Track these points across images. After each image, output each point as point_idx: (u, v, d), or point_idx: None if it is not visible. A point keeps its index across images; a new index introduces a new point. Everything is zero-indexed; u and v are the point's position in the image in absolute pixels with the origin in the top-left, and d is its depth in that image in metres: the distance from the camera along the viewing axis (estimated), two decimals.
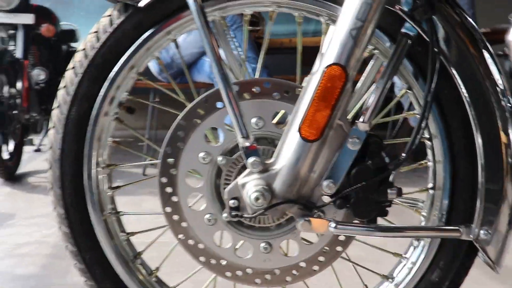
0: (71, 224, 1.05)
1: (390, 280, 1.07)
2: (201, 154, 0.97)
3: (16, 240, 2.05)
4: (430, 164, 1.01)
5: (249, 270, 1.01)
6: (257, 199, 0.90)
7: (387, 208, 0.92)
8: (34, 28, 3.42)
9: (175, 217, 1.00)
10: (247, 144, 0.91)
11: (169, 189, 0.99)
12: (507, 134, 0.90)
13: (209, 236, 1.01)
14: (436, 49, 0.89)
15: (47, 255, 1.89)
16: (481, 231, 0.93)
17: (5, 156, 3.09)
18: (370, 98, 0.90)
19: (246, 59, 2.86)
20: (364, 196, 0.90)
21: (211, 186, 0.99)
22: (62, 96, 1.01)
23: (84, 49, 1.00)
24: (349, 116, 0.94)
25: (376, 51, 1.00)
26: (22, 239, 2.06)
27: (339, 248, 1.00)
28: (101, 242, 1.06)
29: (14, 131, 3.22)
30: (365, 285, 1.11)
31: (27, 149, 3.62)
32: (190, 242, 1.01)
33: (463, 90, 0.92)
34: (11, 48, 3.33)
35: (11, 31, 3.37)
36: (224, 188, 0.96)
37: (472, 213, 0.94)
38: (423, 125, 0.88)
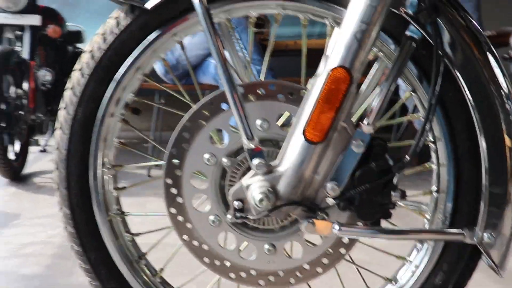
0: (76, 224, 1.05)
1: (394, 283, 1.08)
2: (206, 156, 0.97)
3: (21, 240, 2.06)
4: (434, 167, 1.01)
5: (253, 272, 1.02)
6: (261, 200, 0.90)
7: (391, 211, 0.92)
8: (40, 29, 3.44)
9: (180, 218, 1.01)
10: (252, 145, 0.91)
11: (174, 190, 1.00)
12: (511, 138, 0.90)
13: (213, 237, 1.01)
14: (440, 52, 0.89)
15: (52, 255, 1.90)
16: (485, 235, 0.93)
17: (11, 156, 3.10)
18: (375, 100, 0.91)
19: (251, 61, 2.87)
20: (368, 198, 0.90)
21: (216, 187, 1.00)
22: (69, 97, 1.02)
23: (91, 50, 1.00)
24: (354, 119, 0.94)
25: (380, 53, 1.00)
26: (27, 239, 2.07)
27: (342, 250, 1.00)
28: (106, 242, 1.06)
29: (20, 132, 3.24)
30: None
31: (32, 150, 3.63)
32: (195, 243, 1.01)
33: (467, 93, 0.92)
34: (17, 49, 3.35)
35: (18, 32, 3.39)
36: (229, 190, 0.97)
37: (476, 216, 0.94)
38: (427, 127, 0.89)
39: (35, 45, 3.39)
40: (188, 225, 1.01)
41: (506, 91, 0.91)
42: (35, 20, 3.34)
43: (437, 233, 0.99)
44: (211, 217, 1.00)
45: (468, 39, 0.92)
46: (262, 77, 1.21)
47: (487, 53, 0.92)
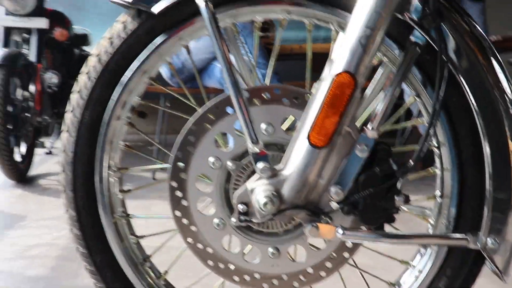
0: (82, 226, 1.06)
1: (397, 287, 1.08)
2: (211, 159, 0.98)
3: (26, 242, 2.07)
4: (438, 172, 1.01)
5: (256, 275, 1.02)
6: (265, 204, 0.90)
7: (395, 215, 0.92)
8: (47, 32, 3.47)
9: (185, 221, 1.01)
10: (257, 149, 0.92)
11: (179, 193, 1.00)
12: None
13: (217, 240, 1.02)
14: (444, 57, 0.89)
15: (57, 257, 1.91)
16: (489, 240, 0.93)
17: (17, 158, 3.11)
18: (379, 105, 0.91)
19: (257, 64, 2.87)
20: (372, 203, 0.90)
21: (221, 190, 1.00)
22: (76, 100, 1.03)
23: (97, 54, 1.01)
24: (358, 123, 0.95)
25: (385, 58, 1.00)
26: (33, 241, 2.08)
27: (346, 255, 1.01)
28: (112, 244, 1.07)
29: (27, 134, 3.26)
30: None
31: (38, 152, 3.65)
32: (199, 246, 1.02)
33: (471, 99, 0.92)
34: (25, 51, 3.37)
35: (25, 35, 3.42)
36: (233, 193, 0.97)
37: (480, 221, 0.94)
38: (431, 132, 0.89)
39: (42, 48, 3.42)
40: (193, 228, 1.01)
41: (510, 96, 0.91)
42: (42, 23, 3.37)
43: (441, 238, 0.99)
44: (216, 220, 1.00)
45: (472, 44, 0.93)
46: (267, 81, 1.21)
47: (491, 58, 0.93)
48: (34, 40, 3.38)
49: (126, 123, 1.05)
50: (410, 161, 0.89)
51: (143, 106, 1.10)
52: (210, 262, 1.03)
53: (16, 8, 3.33)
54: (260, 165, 0.92)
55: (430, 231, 1.04)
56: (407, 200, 0.91)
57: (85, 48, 4.42)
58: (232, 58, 0.97)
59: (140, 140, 4.67)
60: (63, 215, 1.08)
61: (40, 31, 3.39)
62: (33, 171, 3.39)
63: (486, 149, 0.92)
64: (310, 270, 1.02)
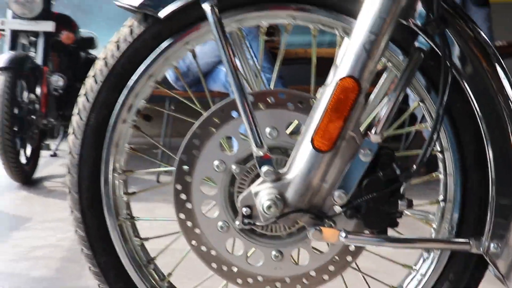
0: (87, 228, 1.07)
1: None
2: (216, 162, 0.99)
3: (31, 243, 2.08)
4: (441, 176, 1.02)
5: (260, 278, 1.03)
6: (269, 207, 0.91)
7: (398, 220, 0.93)
8: (54, 35, 3.49)
9: (189, 223, 1.02)
10: (261, 153, 0.92)
11: (183, 196, 1.01)
12: None
13: (221, 243, 1.02)
14: (448, 63, 0.90)
15: (61, 259, 1.92)
16: (491, 245, 0.93)
17: (23, 160, 3.13)
18: (383, 110, 0.92)
19: (262, 69, 2.88)
20: (375, 207, 0.91)
21: (225, 194, 1.01)
22: (82, 102, 1.04)
23: (104, 57, 1.02)
24: (362, 128, 0.95)
25: (389, 64, 1.01)
26: (37, 242, 2.09)
27: (349, 258, 1.01)
28: (116, 246, 1.08)
29: (32, 136, 3.27)
30: None
31: (43, 154, 3.66)
32: (203, 248, 1.03)
33: (475, 104, 0.93)
34: (31, 54, 3.40)
35: (32, 38, 3.45)
36: (238, 196, 0.98)
37: (483, 226, 0.95)
38: (434, 137, 0.89)
39: (48, 51, 3.44)
40: (197, 231, 1.02)
41: None
42: (49, 26, 3.39)
43: (444, 243, 0.99)
44: (220, 223, 1.01)
45: (476, 50, 0.93)
46: (272, 85, 1.22)
47: (495, 64, 0.93)
48: (41, 43, 3.41)
49: (132, 126, 1.06)
50: (414, 165, 0.90)
51: (148, 109, 1.11)
52: (214, 265, 1.03)
53: (24, 12, 3.35)
54: (264, 168, 0.92)
55: (433, 236, 1.05)
56: (410, 205, 0.91)
57: (91, 51, 4.44)
58: (237, 62, 0.98)
59: (145, 143, 4.69)
60: (68, 217, 1.08)
61: (47, 34, 3.42)
62: (38, 173, 3.41)
63: (490, 155, 0.93)
64: (313, 273, 1.02)
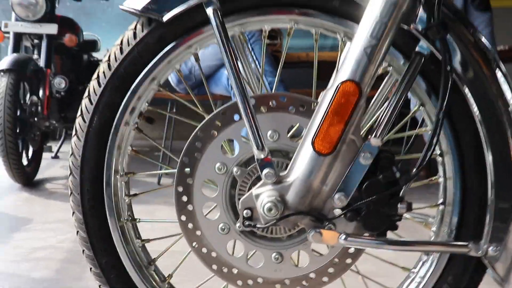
0: (89, 229, 1.07)
1: None
2: (217, 165, 1.00)
3: (32, 244, 2.09)
4: (441, 180, 1.02)
5: (260, 280, 1.03)
6: (270, 209, 0.92)
7: (397, 223, 0.93)
8: (57, 38, 3.51)
9: (190, 225, 1.02)
10: (262, 156, 0.93)
11: (184, 198, 1.02)
12: None
13: (222, 245, 1.03)
14: (448, 68, 0.91)
15: (62, 260, 1.92)
16: (490, 248, 0.93)
17: (24, 162, 3.14)
18: (383, 114, 0.92)
19: (263, 72, 2.89)
20: (375, 210, 0.91)
21: (226, 196, 1.02)
22: (85, 105, 1.05)
23: (108, 60, 1.03)
24: (362, 131, 0.96)
25: (390, 68, 1.01)
26: (38, 244, 2.10)
27: (348, 261, 1.02)
28: (118, 247, 1.08)
29: (34, 138, 3.29)
30: None
31: (45, 156, 3.67)
32: (204, 250, 1.03)
33: (475, 109, 0.93)
34: (34, 57, 3.41)
35: (36, 41, 3.46)
36: (239, 199, 0.99)
37: (482, 229, 0.95)
38: (434, 141, 0.90)
39: (51, 53, 3.45)
40: (198, 232, 1.03)
41: None
42: (52, 29, 3.41)
43: (443, 245, 0.99)
44: (221, 225, 1.02)
45: (477, 55, 0.94)
46: (273, 89, 1.23)
47: (496, 69, 0.94)
48: (44, 45, 3.42)
49: (134, 129, 1.07)
50: (414, 169, 0.90)
51: (150, 112, 1.12)
52: (214, 266, 1.04)
53: (28, 14, 3.37)
54: (265, 171, 0.93)
55: (432, 239, 1.05)
56: (409, 208, 0.92)
57: (93, 54, 4.46)
58: (239, 65, 0.98)
59: (146, 145, 4.70)
60: (68, 219, 1.09)
61: (50, 37, 3.43)
62: (39, 175, 3.42)
63: (489, 159, 0.93)
64: (312, 276, 1.03)
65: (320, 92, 0.94)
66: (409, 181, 0.90)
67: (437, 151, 1.01)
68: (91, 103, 1.04)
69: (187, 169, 1.00)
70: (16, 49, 3.39)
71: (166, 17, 0.98)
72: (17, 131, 2.98)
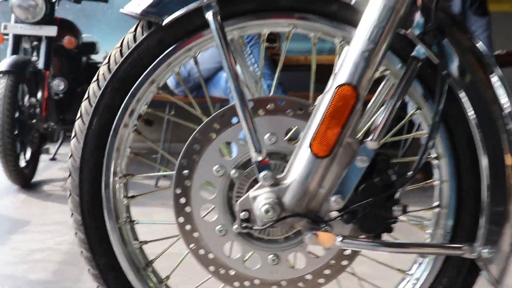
0: (87, 230, 1.08)
1: None
2: (215, 167, 1.00)
3: (29, 246, 2.09)
4: (436, 183, 1.03)
5: (256, 281, 1.04)
6: (267, 211, 0.92)
7: (393, 225, 0.94)
8: (56, 40, 3.51)
9: (188, 227, 1.03)
10: (260, 158, 0.94)
11: (182, 200, 1.02)
12: None
13: (219, 246, 1.04)
14: (445, 72, 0.92)
15: (59, 262, 1.92)
16: (484, 250, 0.94)
17: (22, 163, 3.14)
18: (380, 117, 0.93)
19: (262, 75, 2.90)
20: (371, 212, 0.92)
21: (224, 198, 1.02)
22: (85, 106, 1.05)
23: (108, 63, 1.04)
24: (359, 135, 0.97)
25: (387, 72, 1.02)
26: (36, 246, 2.10)
27: (344, 262, 1.02)
28: (115, 249, 1.09)
29: (32, 140, 3.28)
30: None
31: (43, 158, 3.67)
32: (201, 252, 1.04)
33: (470, 113, 0.94)
34: (34, 58, 3.41)
35: (35, 43, 3.47)
36: (236, 201, 0.99)
37: (477, 232, 0.96)
38: (430, 145, 0.91)
39: (50, 55, 3.46)
40: (195, 234, 1.03)
41: (509, 111, 0.93)
42: (51, 31, 3.41)
43: (438, 248, 1.00)
44: (218, 227, 1.02)
45: (473, 60, 0.95)
46: (272, 92, 1.24)
47: (492, 74, 0.95)
48: (43, 47, 3.43)
49: (133, 131, 1.08)
50: (410, 172, 0.91)
51: (149, 114, 1.12)
52: (211, 268, 1.04)
53: (27, 16, 3.37)
54: (263, 173, 0.94)
55: (428, 241, 1.06)
56: (405, 210, 0.92)
57: (92, 56, 4.46)
58: (238, 68, 0.99)
59: (144, 147, 4.70)
60: (66, 221, 1.10)
61: (49, 39, 3.44)
62: (37, 177, 3.42)
63: (484, 162, 0.94)
64: (309, 277, 1.03)
65: (318, 95, 0.94)
66: (405, 183, 0.91)
67: (433, 154, 1.01)
68: (91, 105, 1.04)
69: (185, 171, 1.01)
70: (15, 51, 3.39)
71: (166, 21, 0.98)
72: (16, 132, 2.98)
